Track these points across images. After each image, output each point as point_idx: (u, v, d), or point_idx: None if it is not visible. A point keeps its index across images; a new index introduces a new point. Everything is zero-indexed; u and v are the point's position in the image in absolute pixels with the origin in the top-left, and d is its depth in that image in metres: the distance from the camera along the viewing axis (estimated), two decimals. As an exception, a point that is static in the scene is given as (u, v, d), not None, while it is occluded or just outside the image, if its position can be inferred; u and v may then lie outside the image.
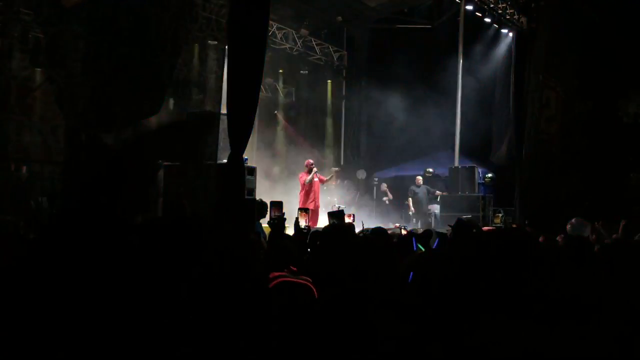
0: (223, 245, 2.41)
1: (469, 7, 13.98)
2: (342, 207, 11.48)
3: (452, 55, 14.40)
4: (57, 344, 1.63)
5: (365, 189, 16.11)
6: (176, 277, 1.81)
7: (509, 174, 14.48)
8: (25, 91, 12.02)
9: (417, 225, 12.78)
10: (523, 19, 14.47)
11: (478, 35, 15.15)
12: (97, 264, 1.74)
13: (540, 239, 4.69)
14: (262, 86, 8.93)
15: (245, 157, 8.08)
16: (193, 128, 8.86)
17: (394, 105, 15.66)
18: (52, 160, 10.45)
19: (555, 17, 13.72)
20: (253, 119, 7.68)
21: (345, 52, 17.54)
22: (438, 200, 13.97)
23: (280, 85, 16.34)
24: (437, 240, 5.01)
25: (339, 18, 15.89)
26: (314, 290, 3.16)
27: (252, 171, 8.54)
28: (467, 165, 13.92)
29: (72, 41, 8.73)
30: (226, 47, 7.48)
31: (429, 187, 14.29)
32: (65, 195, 8.55)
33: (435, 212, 13.89)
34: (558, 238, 4.96)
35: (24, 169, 10.29)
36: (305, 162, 12.39)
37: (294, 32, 15.30)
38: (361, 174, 16.30)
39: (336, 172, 14.57)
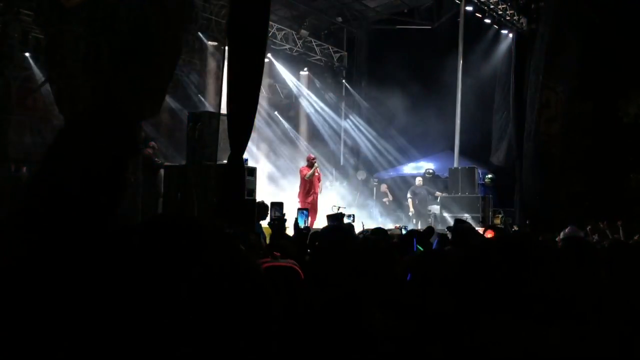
0: (223, 245, 2.40)
1: (469, 8, 13.99)
2: (343, 207, 11.47)
3: (452, 56, 14.38)
4: (56, 344, 1.63)
5: (365, 190, 16.11)
6: (176, 277, 1.80)
7: (509, 175, 14.50)
8: (25, 91, 12.05)
9: (418, 226, 12.78)
10: (523, 20, 14.49)
11: (478, 36, 15.16)
12: (97, 264, 1.74)
13: (540, 239, 4.69)
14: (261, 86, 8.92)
15: (246, 158, 8.08)
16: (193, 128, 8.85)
17: (394, 105, 15.66)
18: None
19: (555, 18, 13.71)
20: (253, 120, 7.67)
21: (345, 53, 17.54)
22: (438, 201, 13.96)
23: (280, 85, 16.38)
24: (436, 240, 5.01)
25: (339, 19, 15.91)
26: (300, 271, 3.08)
27: (252, 172, 8.53)
28: (467, 166, 13.91)
29: (72, 41, 8.74)
30: (226, 47, 7.47)
31: (429, 188, 14.27)
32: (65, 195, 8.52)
33: (435, 213, 13.88)
34: (557, 239, 4.97)
35: (24, 169, 10.30)
36: (307, 156, 12.37)
37: (294, 33, 15.31)
38: (361, 175, 16.31)
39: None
